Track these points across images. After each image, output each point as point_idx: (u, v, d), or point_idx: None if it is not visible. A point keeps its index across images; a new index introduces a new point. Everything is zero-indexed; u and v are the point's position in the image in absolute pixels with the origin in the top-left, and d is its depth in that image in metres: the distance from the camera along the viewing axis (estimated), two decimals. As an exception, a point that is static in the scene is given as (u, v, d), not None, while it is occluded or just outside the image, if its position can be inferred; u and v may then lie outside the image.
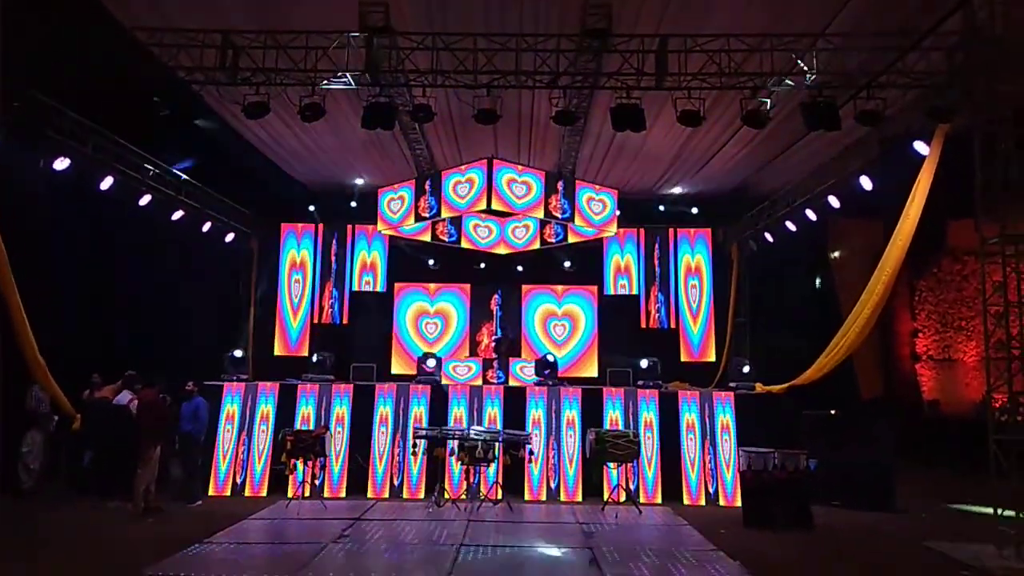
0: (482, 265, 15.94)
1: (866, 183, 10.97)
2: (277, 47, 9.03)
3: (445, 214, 12.63)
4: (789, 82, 9.04)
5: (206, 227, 13.59)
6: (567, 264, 16.16)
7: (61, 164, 9.72)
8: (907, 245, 9.15)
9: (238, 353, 11.99)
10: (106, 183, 10.67)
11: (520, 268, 16.03)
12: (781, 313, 15.53)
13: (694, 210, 16.15)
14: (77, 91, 9.28)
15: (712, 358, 15.68)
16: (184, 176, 12.41)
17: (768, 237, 14.43)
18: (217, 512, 9.09)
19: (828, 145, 11.73)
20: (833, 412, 10.85)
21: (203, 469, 10.32)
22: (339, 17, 8.78)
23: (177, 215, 12.54)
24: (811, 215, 12.98)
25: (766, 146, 12.69)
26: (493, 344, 13.43)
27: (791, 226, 13.63)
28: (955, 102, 8.69)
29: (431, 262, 16.05)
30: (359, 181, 14.98)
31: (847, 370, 13.67)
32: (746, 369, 11.97)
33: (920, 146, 9.08)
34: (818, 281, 16.76)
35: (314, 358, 11.88)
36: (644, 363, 11.80)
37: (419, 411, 10.73)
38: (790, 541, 8.28)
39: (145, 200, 11.59)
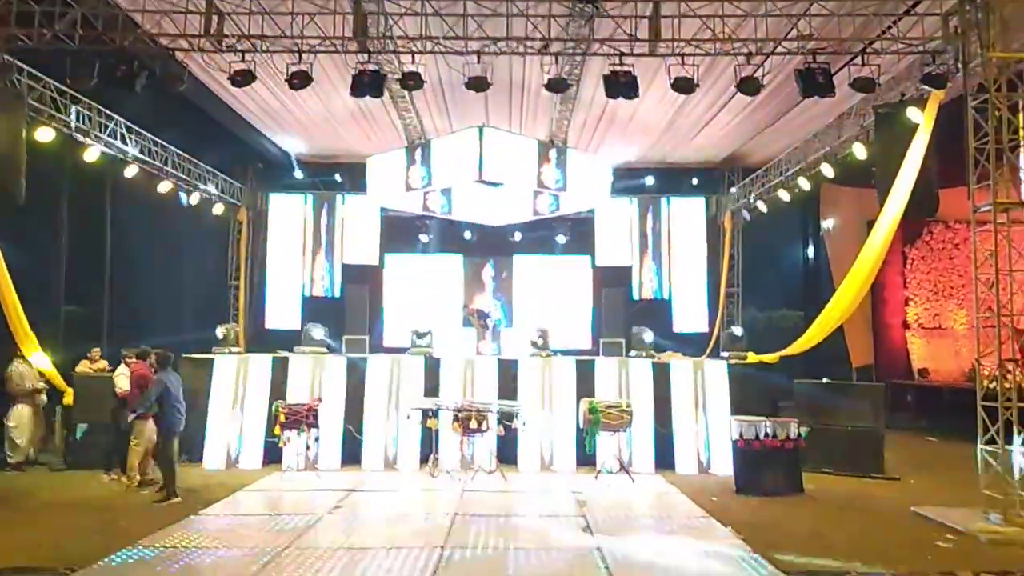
0: (468, 235, 15.87)
1: (860, 151, 10.92)
2: (263, 13, 8.84)
3: (436, 184, 12.45)
4: (783, 48, 8.94)
5: (194, 199, 13.46)
6: (560, 235, 16.14)
7: (45, 135, 9.58)
8: (900, 214, 9.11)
9: (226, 327, 11.94)
10: (91, 154, 10.55)
11: (513, 238, 15.99)
12: (774, 282, 15.59)
13: (694, 181, 16.14)
14: (56, 60, 9.07)
15: (705, 328, 15.77)
16: (171, 147, 12.27)
17: (761, 207, 14.39)
18: (212, 484, 9.11)
19: (822, 113, 11.64)
20: (824, 380, 10.94)
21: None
22: (326, -19, 8.60)
23: (164, 187, 12.43)
24: (804, 184, 12.93)
25: (759, 114, 12.61)
26: (476, 315, 13.37)
27: (784, 195, 13.58)
28: (949, 69, 8.62)
29: (423, 237, 15.98)
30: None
31: (839, 339, 13.77)
32: (739, 334, 12.02)
33: (914, 113, 8.99)
34: (811, 250, 16.80)
35: (309, 330, 11.83)
36: (648, 336, 11.86)
37: (412, 382, 10.72)
38: (780, 507, 8.38)
39: (132, 172, 11.50)
